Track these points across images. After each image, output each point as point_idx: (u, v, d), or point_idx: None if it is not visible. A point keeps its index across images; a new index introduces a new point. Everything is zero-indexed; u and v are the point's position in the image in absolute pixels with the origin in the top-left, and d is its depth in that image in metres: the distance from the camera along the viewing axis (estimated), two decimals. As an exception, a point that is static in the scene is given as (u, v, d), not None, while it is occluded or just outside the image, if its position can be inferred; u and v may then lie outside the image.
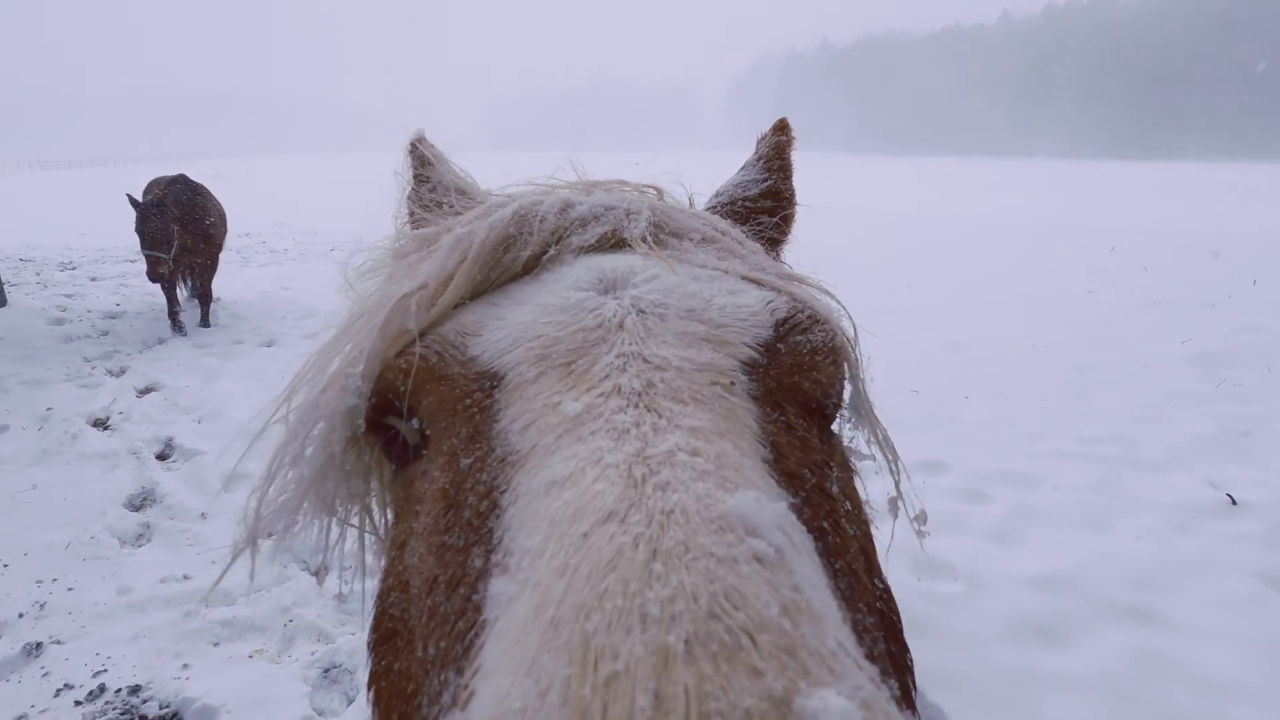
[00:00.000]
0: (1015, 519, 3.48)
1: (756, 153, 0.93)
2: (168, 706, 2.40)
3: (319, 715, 2.36)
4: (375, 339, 0.59)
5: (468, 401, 0.55)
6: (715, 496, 0.41)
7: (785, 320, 0.61)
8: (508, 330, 0.57)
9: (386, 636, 0.53)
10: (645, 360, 0.53)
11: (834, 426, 0.65)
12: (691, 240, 0.69)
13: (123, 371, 5.98)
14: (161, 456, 4.34)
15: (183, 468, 4.16)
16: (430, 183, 0.90)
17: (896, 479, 0.75)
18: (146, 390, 5.49)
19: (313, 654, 2.65)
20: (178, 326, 7.00)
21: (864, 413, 0.70)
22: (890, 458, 0.75)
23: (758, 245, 0.74)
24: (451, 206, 0.84)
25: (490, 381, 0.55)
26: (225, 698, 2.39)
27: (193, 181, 7.58)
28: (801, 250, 1.04)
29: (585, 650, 0.33)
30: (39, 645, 2.63)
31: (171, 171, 8.21)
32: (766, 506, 0.40)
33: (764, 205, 0.88)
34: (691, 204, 0.85)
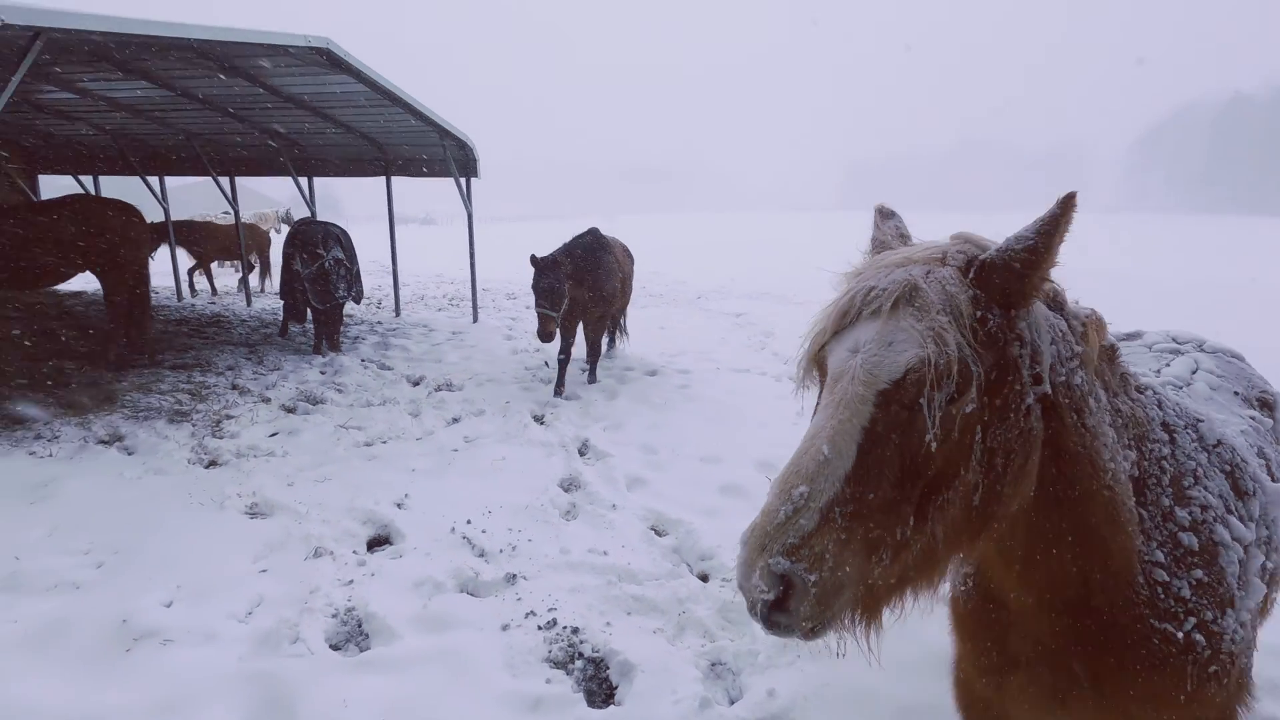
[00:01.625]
0: None
1: (1045, 214, 1.24)
2: (598, 652, 2.96)
3: (710, 700, 2.67)
4: (809, 344, 1.36)
5: (822, 377, 1.33)
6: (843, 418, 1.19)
7: (911, 368, 1.18)
8: (833, 360, 1.28)
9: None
10: (847, 389, 1.20)
11: (923, 408, 1.19)
12: (914, 307, 1.24)
13: (549, 381, 7.54)
14: (581, 452, 5.37)
15: (596, 465, 5.08)
16: (877, 232, 1.57)
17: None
18: (568, 398, 6.84)
19: (702, 646, 3.01)
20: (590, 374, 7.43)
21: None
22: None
23: (962, 304, 1.24)
24: (882, 249, 1.49)
25: (825, 374, 1.31)
26: (640, 659, 2.86)
27: (601, 237, 7.47)
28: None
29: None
30: (514, 576, 3.49)
31: (602, 225, 8.41)
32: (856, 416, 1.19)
33: (1022, 259, 1.24)
34: (977, 265, 1.28)
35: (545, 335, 6.54)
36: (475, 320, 11.15)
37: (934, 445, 1.20)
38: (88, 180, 13.32)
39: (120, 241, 6.97)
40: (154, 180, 12.43)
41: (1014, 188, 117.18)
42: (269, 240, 14.58)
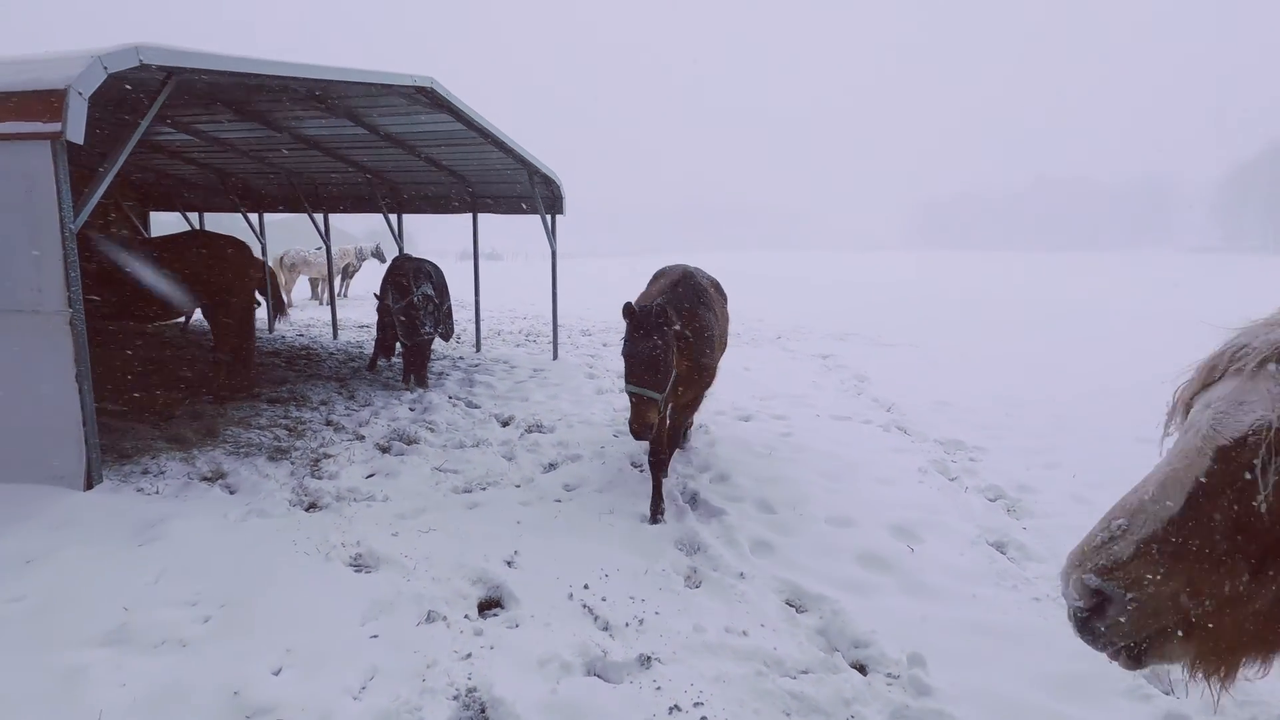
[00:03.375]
0: None
1: None
2: (762, 764, 2.52)
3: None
4: (1177, 394, 1.48)
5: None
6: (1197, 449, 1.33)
7: (1254, 429, 1.25)
8: (1193, 412, 1.40)
9: None
10: (1189, 441, 1.34)
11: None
12: (1275, 366, 1.29)
13: (641, 424, 7.19)
14: (691, 505, 4.97)
15: (711, 523, 4.65)
16: None
17: None
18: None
19: (884, 765, 2.53)
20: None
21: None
22: None
23: None
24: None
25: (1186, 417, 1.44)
26: (816, 780, 2.41)
27: (694, 278, 5.15)
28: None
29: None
30: (648, 658, 3.09)
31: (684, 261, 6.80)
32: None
33: None
34: None
35: (643, 427, 4.13)
36: (555, 357, 10.98)
37: (1263, 509, 1.23)
38: (193, 217, 13.99)
39: (236, 277, 7.09)
40: (253, 217, 12.94)
41: (1095, 225, 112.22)
42: (275, 279, 14.76)
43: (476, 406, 7.70)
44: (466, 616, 3.46)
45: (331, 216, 13.09)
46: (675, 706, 2.79)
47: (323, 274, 18.69)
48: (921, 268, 41.61)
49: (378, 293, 8.70)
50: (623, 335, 4.38)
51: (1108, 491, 5.25)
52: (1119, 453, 6.23)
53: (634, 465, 5.82)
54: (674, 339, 4.36)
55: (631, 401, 4.22)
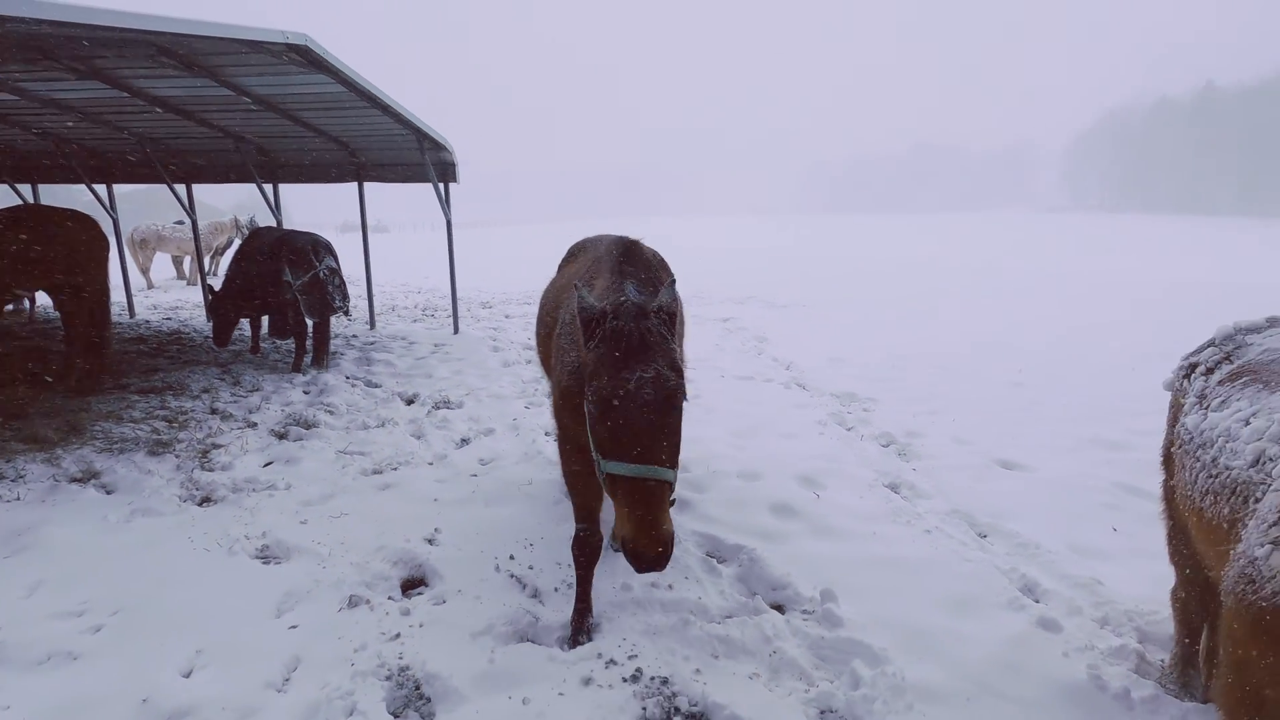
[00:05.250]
0: None
1: None
2: (696, 705, 2.67)
3: (836, 758, 2.40)
4: None
5: None
6: None
7: None
8: None
9: None
10: None
11: None
12: None
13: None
14: (609, 473, 5.06)
15: (629, 486, 4.77)
16: None
17: None
18: (577, 413, 6.51)
19: (806, 692, 2.75)
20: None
21: None
22: None
23: None
24: None
25: None
26: (748, 714, 2.58)
27: (645, 246, 3.30)
28: None
29: None
30: (580, 619, 3.16)
31: (610, 230, 4.43)
32: None
33: None
34: None
35: (661, 542, 2.14)
36: (456, 331, 10.67)
37: None
38: (25, 189, 12.33)
39: (80, 256, 6.35)
40: (101, 189, 11.58)
41: (968, 190, 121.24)
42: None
43: (377, 385, 7.39)
44: (391, 598, 3.39)
45: (196, 187, 11.95)
46: (611, 661, 2.89)
47: (186, 250, 17.09)
48: (811, 232, 43.44)
49: (212, 290, 7.98)
50: (596, 366, 2.25)
51: (983, 431, 5.83)
52: (992, 397, 6.89)
53: (547, 435, 5.82)
54: (680, 359, 2.62)
55: (622, 490, 2.18)
